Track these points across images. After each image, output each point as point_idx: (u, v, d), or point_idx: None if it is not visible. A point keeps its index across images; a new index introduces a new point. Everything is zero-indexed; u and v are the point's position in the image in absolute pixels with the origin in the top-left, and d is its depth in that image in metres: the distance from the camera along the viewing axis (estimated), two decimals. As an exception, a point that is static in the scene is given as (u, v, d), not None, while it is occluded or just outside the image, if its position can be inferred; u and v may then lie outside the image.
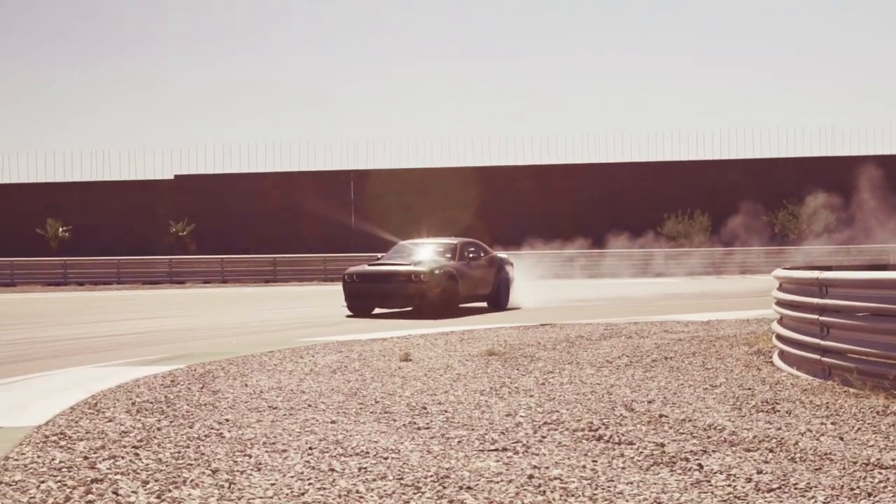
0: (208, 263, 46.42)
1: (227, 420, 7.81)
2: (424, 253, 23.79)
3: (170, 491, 5.51)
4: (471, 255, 23.72)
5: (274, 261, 46.35)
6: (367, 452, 6.56)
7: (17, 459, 6.35)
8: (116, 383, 10.07)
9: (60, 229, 56.83)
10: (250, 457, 6.41)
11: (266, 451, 6.58)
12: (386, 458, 6.37)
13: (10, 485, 5.68)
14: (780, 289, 12.13)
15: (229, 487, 5.61)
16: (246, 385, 9.85)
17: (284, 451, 6.61)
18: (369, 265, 23.27)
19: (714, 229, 52.34)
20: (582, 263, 44.63)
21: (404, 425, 7.66)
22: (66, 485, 5.64)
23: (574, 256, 45.22)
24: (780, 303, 12.00)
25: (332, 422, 7.76)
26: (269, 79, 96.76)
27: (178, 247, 55.29)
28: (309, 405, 8.62)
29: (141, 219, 58.49)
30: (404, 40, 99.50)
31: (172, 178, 61.10)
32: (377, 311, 22.42)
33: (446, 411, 8.29)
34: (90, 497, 5.37)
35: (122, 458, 6.34)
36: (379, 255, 25.32)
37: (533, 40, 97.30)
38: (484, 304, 23.87)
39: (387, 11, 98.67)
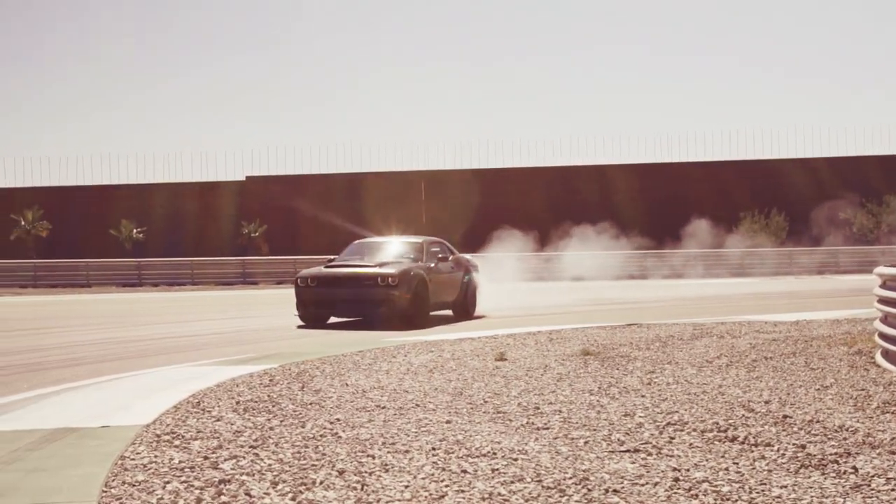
0: (281, 264, 46.41)
1: (337, 420, 7.59)
2: (387, 253, 20.91)
3: (302, 493, 5.28)
4: (439, 257, 20.95)
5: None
6: (494, 453, 6.30)
7: (133, 459, 6.16)
8: (215, 382, 9.89)
9: (134, 231, 57.27)
10: (373, 457, 6.17)
11: (388, 452, 6.34)
12: (515, 460, 6.10)
13: (134, 485, 5.48)
14: (884, 286, 11.73)
15: (362, 489, 5.37)
16: (346, 385, 9.63)
17: (407, 451, 6.37)
18: (326, 266, 20.24)
19: (791, 229, 51.60)
20: (653, 263, 44.19)
21: (522, 426, 7.40)
22: (192, 486, 5.43)
23: (645, 256, 44.78)
24: (885, 300, 11.58)
25: (447, 422, 7.51)
26: (337, 81, 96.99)
27: (250, 248, 55.45)
28: (417, 405, 8.39)
29: (213, 220, 58.77)
30: (446, 41, 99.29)
31: (244, 179, 61.34)
32: (333, 320, 19.81)
33: (560, 411, 8.02)
34: (223, 498, 5.16)
35: (243, 458, 6.13)
36: (331, 256, 22.25)
37: (580, 39, 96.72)
38: (449, 312, 21.17)
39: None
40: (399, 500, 5.16)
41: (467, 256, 23.10)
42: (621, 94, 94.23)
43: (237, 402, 8.47)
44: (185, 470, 5.81)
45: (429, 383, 9.73)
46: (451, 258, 21.30)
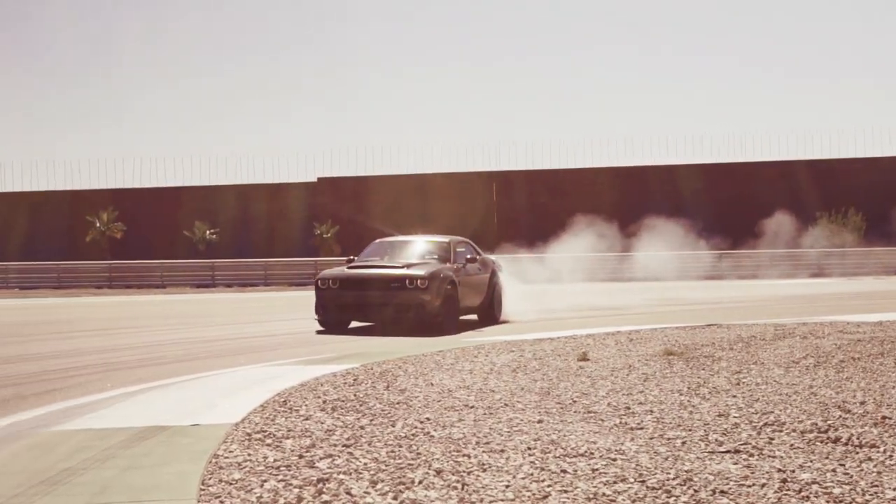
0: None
1: (427, 419, 7.51)
2: (412, 253, 19.68)
3: (402, 492, 5.20)
4: (467, 257, 19.79)
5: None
6: (591, 453, 6.18)
7: (227, 457, 6.12)
8: (297, 382, 9.86)
9: (208, 232, 57.74)
10: (469, 457, 6.07)
11: (483, 451, 6.24)
12: (614, 460, 5.98)
13: (232, 483, 5.43)
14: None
15: (463, 489, 5.28)
16: (431, 384, 9.55)
17: (502, 451, 6.27)
18: (349, 267, 19.01)
19: (869, 228, 50.81)
20: (728, 263, 43.76)
21: (615, 425, 7.27)
22: (290, 484, 5.37)
23: (721, 256, 44.36)
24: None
25: (539, 421, 7.40)
26: (407, 81, 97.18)
27: (322, 249, 55.64)
28: (505, 404, 8.28)
29: (284, 221, 59.06)
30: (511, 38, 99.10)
31: (315, 180, 61.59)
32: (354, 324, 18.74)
33: (651, 411, 7.88)
34: (324, 497, 5.09)
35: (338, 457, 6.06)
36: (352, 256, 20.78)
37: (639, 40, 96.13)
38: (474, 317, 20.07)
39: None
40: (502, 500, 5.06)
41: (492, 257, 22.05)
42: (687, 95, 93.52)
43: (324, 402, 8.42)
44: (282, 468, 5.75)
45: (514, 383, 9.62)
46: (478, 259, 20.26)
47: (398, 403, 8.31)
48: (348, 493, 5.15)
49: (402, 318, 17.88)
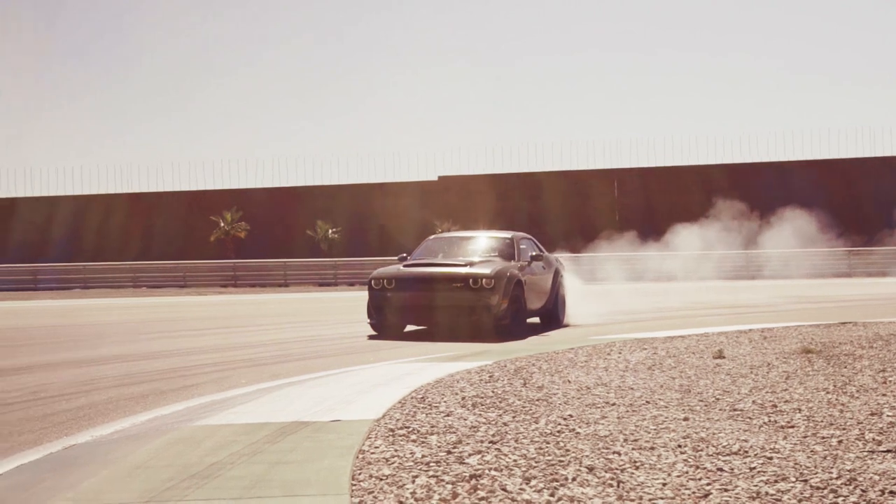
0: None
1: (570, 416, 7.38)
2: (472, 250, 18.14)
3: (557, 489, 5.10)
4: (532, 255, 18.21)
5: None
6: (745, 451, 6.00)
7: (373, 453, 6.07)
8: (432, 378, 9.80)
9: (330, 231, 58.30)
10: (619, 454, 5.94)
11: (632, 449, 6.10)
12: (770, 458, 5.79)
13: (382, 479, 5.38)
14: None
15: (618, 486, 5.15)
16: (568, 381, 9.42)
17: (652, 448, 6.12)
18: (405, 265, 17.39)
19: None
20: (856, 261, 42.87)
21: (764, 423, 7.08)
22: (442, 480, 5.30)
23: (849, 254, 43.47)
24: None
25: (685, 419, 7.23)
26: (520, 79, 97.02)
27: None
28: (647, 402, 8.12)
29: (405, 220, 59.36)
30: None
31: (436, 179, 61.82)
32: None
33: (800, 409, 7.66)
34: (479, 493, 5.01)
35: (486, 453, 5.97)
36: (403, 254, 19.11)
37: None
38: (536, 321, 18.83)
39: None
40: (661, 498, 4.92)
41: (555, 255, 20.42)
42: (790, 90, 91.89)
43: (463, 398, 8.34)
44: (431, 464, 5.68)
45: (652, 380, 9.45)
46: (544, 257, 18.82)
47: (538, 400, 8.21)
48: (504, 490, 5.06)
49: (465, 321, 16.33)
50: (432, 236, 19.74)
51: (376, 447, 6.25)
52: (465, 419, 7.25)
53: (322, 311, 26.53)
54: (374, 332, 16.91)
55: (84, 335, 18.76)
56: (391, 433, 6.74)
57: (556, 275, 19.15)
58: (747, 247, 41.70)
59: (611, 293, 27.48)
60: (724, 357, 11.30)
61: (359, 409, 7.97)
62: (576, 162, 61.25)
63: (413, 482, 5.28)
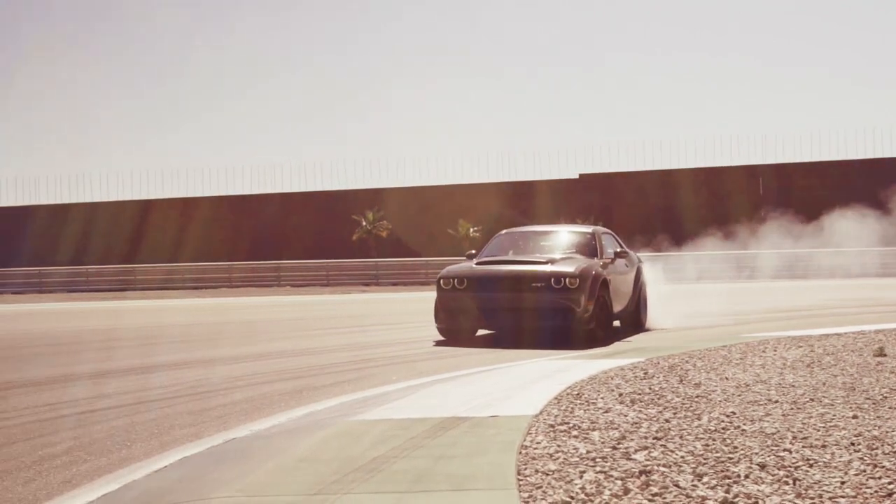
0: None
1: (732, 413, 7.21)
2: (551, 247, 16.58)
3: (731, 486, 4.96)
4: (616, 251, 16.74)
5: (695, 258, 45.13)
6: (924, 450, 5.78)
7: (536, 448, 6.00)
8: (585, 375, 9.69)
9: (471, 229, 58.46)
10: (790, 451, 5.77)
11: (802, 447, 5.92)
12: (952, 458, 5.57)
13: (548, 474, 5.30)
14: None
15: (794, 484, 5.00)
16: (725, 378, 9.22)
17: (823, 446, 5.93)
18: (477, 264, 15.76)
19: None
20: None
21: (940, 422, 6.82)
22: (611, 476, 5.20)
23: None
24: None
25: (854, 417, 7.00)
26: (663, 75, 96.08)
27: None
28: (811, 399, 7.89)
29: (547, 218, 59.22)
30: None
31: (577, 177, 61.59)
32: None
33: (977, 408, 7.37)
34: (652, 489, 4.90)
35: (653, 449, 5.85)
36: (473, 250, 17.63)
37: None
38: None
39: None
40: (842, 497, 4.75)
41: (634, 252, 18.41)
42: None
43: (620, 395, 8.22)
44: (597, 460, 5.59)
45: (812, 378, 9.20)
46: (627, 254, 17.19)
47: (697, 397, 8.05)
48: (676, 486, 4.94)
49: (546, 325, 14.80)
50: (504, 231, 18.06)
51: (538, 443, 6.17)
52: (625, 415, 7.13)
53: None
54: (441, 338, 15.57)
55: (233, 332, 19.06)
56: (551, 429, 6.66)
57: (639, 273, 17.74)
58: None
59: (719, 293, 27.03)
60: (885, 355, 10.96)
61: (515, 405, 7.91)
62: (712, 158, 60.43)
63: (581, 477, 5.19)
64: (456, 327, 15.40)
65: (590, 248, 16.27)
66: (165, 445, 7.21)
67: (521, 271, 15.01)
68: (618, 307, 16.07)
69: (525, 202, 60.70)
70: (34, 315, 29.06)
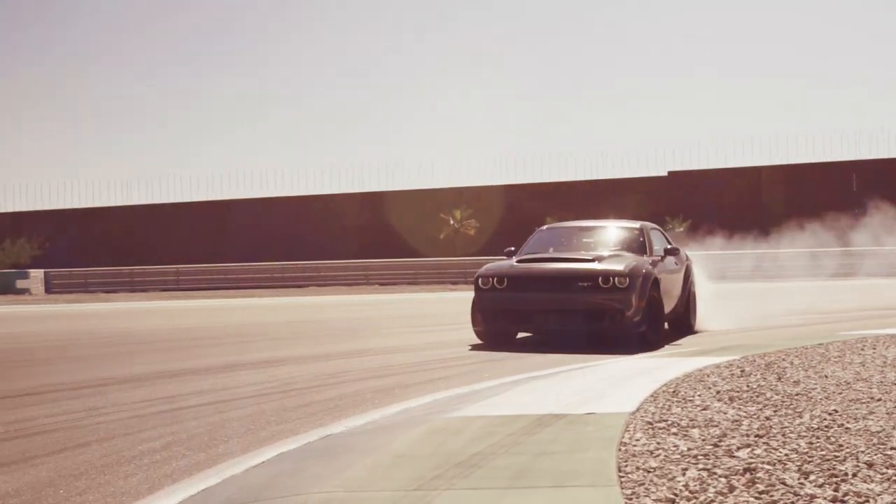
0: (705, 260, 45.70)
1: (834, 411, 7.06)
2: (598, 243, 15.47)
3: (839, 485, 4.84)
4: (667, 249, 15.61)
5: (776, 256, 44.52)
6: None
7: (635, 445, 5.93)
8: (681, 372, 9.58)
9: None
10: (896, 449, 5.64)
11: (910, 445, 5.79)
12: None
13: (650, 471, 5.23)
14: None
15: (904, 484, 4.88)
16: (825, 376, 9.04)
17: (932, 445, 5.79)
18: (518, 261, 14.66)
19: None
20: None
21: None
22: (715, 473, 5.11)
23: None
24: None
25: (962, 416, 6.83)
26: (749, 72, 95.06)
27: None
28: (915, 398, 7.72)
29: (630, 215, 58.82)
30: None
31: (666, 174, 61.17)
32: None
33: None
34: (759, 487, 4.80)
35: (756, 447, 5.74)
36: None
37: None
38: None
39: None
40: (967, 498, 4.62)
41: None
42: None
43: (717, 392, 8.11)
44: (699, 457, 5.50)
45: (915, 376, 8.99)
46: (678, 251, 16.05)
47: (797, 395, 7.90)
48: (783, 484, 4.84)
49: (593, 328, 13.82)
50: (545, 226, 17.00)
51: (637, 440, 6.10)
52: (724, 413, 7.02)
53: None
54: (479, 341, 14.55)
55: (324, 330, 19.17)
56: (650, 426, 6.58)
57: (688, 272, 16.59)
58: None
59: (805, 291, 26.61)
60: None
61: (612, 402, 7.83)
62: (801, 154, 59.65)
63: (683, 475, 5.11)
64: (495, 330, 14.33)
65: (638, 244, 15.24)
66: (261, 441, 7.24)
67: (566, 269, 14.01)
68: (667, 308, 14.95)
69: (613, 199, 60.33)
70: (133, 314, 29.49)
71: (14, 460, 6.78)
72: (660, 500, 4.65)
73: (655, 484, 4.95)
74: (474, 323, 14.42)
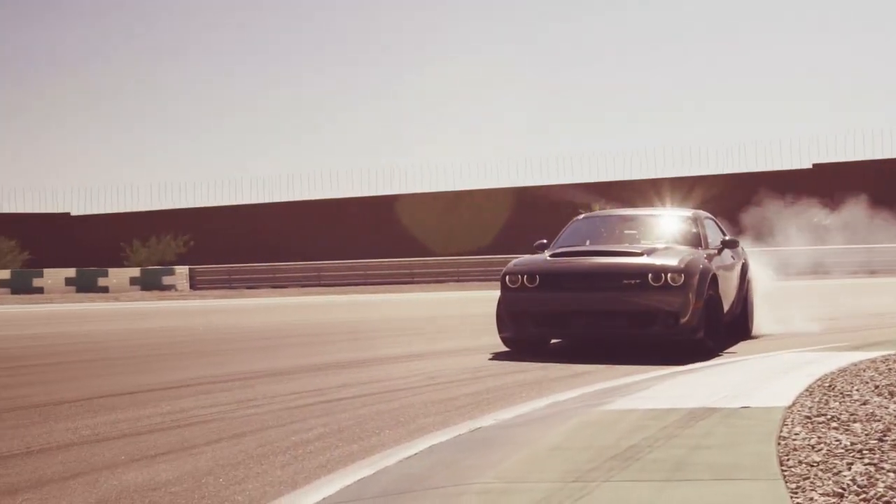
0: (853, 254, 45.07)
1: None
2: (645, 234, 13.54)
3: None
4: (725, 241, 13.68)
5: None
6: None
7: (794, 439, 5.80)
8: (835, 367, 9.36)
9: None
10: None
11: None
12: None
13: (813, 465, 5.10)
14: None
15: None
16: None
17: None
18: (552, 255, 12.69)
19: None
20: None
21: None
22: (882, 468, 4.97)
23: None
24: None
25: None
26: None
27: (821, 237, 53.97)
28: None
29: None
30: None
31: (810, 167, 60.00)
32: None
33: None
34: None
35: (923, 442, 5.59)
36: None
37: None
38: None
39: None
40: None
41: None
42: None
43: (875, 386, 7.89)
44: (864, 452, 5.35)
45: None
46: (737, 244, 14.13)
47: (960, 391, 7.66)
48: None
49: (641, 334, 11.82)
50: (582, 215, 15.05)
51: (797, 434, 5.96)
52: (886, 407, 6.83)
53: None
54: (505, 349, 12.74)
55: (466, 324, 19.20)
56: (808, 420, 6.43)
57: (744, 268, 14.63)
58: None
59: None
60: None
61: (765, 396, 7.69)
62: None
63: (849, 469, 4.97)
64: (525, 336, 12.35)
65: (691, 235, 13.29)
66: (413, 433, 7.27)
67: (609, 265, 12.01)
68: (724, 309, 12.96)
69: (760, 192, 59.27)
70: (273, 309, 29.97)
71: (173, 449, 6.93)
72: (827, 495, 4.54)
73: (820, 478, 4.83)
74: (500, 328, 12.51)
